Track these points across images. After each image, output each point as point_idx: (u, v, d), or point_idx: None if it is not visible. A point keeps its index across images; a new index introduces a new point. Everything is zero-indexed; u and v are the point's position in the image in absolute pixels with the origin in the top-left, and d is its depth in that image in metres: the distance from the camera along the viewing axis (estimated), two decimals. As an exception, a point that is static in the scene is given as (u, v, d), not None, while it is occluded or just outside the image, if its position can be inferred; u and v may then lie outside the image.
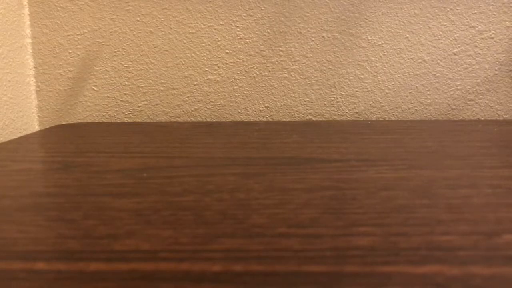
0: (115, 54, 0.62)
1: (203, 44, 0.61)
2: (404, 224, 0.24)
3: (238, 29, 0.61)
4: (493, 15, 0.59)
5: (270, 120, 0.63)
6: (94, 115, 0.64)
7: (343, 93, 0.62)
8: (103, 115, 0.64)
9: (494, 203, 0.27)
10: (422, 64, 0.61)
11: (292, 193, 0.29)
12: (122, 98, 0.63)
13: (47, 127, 0.62)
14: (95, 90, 0.63)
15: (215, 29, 0.61)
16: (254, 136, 0.50)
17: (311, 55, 0.61)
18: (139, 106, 0.63)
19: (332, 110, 0.62)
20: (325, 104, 0.62)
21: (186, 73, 0.62)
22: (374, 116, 0.62)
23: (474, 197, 0.28)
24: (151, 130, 0.54)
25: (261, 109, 0.63)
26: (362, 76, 0.61)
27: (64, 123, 0.63)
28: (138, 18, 0.61)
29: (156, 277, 0.19)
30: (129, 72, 0.62)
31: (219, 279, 0.19)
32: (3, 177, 0.36)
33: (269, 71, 0.62)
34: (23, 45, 0.61)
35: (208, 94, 0.62)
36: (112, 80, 0.63)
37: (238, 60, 0.62)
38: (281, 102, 0.62)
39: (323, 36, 0.61)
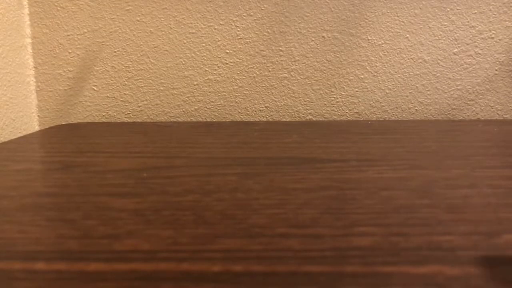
0: (115, 54, 0.62)
1: (203, 44, 0.61)
2: (404, 224, 0.24)
3: (238, 29, 0.61)
4: (493, 15, 0.59)
5: (270, 120, 0.63)
6: (94, 115, 0.64)
7: (343, 93, 0.62)
8: (103, 115, 0.63)
9: (494, 203, 0.27)
10: (422, 64, 0.61)
11: (292, 193, 0.29)
12: (122, 98, 0.63)
13: (47, 127, 0.62)
14: (95, 90, 0.63)
15: (215, 29, 0.61)
16: (254, 136, 0.50)
17: (311, 55, 0.61)
18: (139, 106, 0.63)
19: (332, 110, 0.62)
20: (325, 104, 0.62)
21: (186, 73, 0.62)
22: (374, 116, 0.62)
23: (474, 197, 0.28)
24: (151, 130, 0.54)
25: (261, 109, 0.63)
26: (362, 76, 0.61)
27: (64, 123, 0.63)
28: (138, 18, 0.61)
29: (156, 277, 0.19)
30: (129, 72, 0.62)
31: (219, 279, 0.19)
32: (3, 177, 0.36)
33: (269, 71, 0.62)
34: (23, 45, 0.61)
35: (208, 94, 0.62)
36: (112, 80, 0.63)
37: (238, 60, 0.62)
38: (281, 102, 0.62)
39: (323, 36, 0.61)
